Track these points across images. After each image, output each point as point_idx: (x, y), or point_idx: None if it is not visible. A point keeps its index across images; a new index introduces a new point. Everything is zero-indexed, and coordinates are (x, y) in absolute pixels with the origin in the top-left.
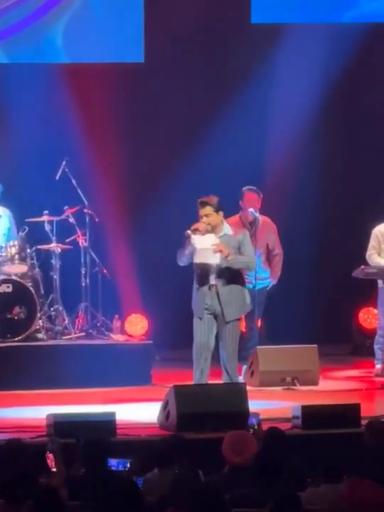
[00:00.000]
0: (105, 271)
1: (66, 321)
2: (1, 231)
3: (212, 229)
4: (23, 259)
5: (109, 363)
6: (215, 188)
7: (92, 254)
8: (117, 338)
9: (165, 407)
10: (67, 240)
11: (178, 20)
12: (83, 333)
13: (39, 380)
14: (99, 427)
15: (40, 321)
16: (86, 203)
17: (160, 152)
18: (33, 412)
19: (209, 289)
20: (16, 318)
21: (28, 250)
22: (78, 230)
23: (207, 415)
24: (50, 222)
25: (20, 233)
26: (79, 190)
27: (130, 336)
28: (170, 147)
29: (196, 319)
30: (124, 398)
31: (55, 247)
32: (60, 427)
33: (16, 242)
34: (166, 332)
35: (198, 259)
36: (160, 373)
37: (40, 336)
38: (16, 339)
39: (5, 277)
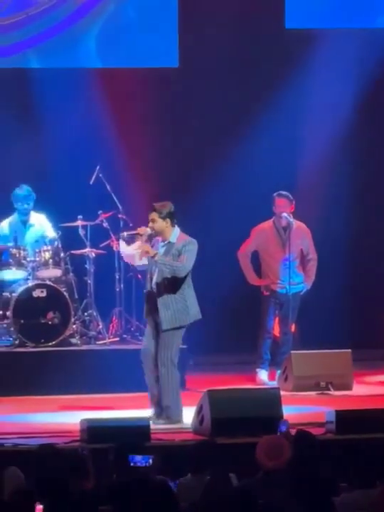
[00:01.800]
0: (139, 276)
1: (100, 326)
2: (33, 238)
3: (156, 235)
4: (57, 264)
5: (142, 367)
6: (249, 193)
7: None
8: None
9: (199, 411)
10: (101, 245)
11: (212, 25)
12: (117, 338)
13: (73, 384)
14: (133, 432)
15: (74, 326)
16: (120, 207)
17: (193, 156)
18: (66, 417)
19: (147, 294)
20: (50, 323)
21: (62, 255)
22: (112, 235)
23: (241, 420)
24: (84, 227)
25: (54, 237)
26: (113, 195)
27: None
28: (203, 152)
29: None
30: None
31: (89, 251)
32: (94, 432)
33: (50, 247)
34: (200, 337)
35: (128, 260)
36: (194, 378)
37: (74, 340)
38: (50, 344)
39: (39, 282)
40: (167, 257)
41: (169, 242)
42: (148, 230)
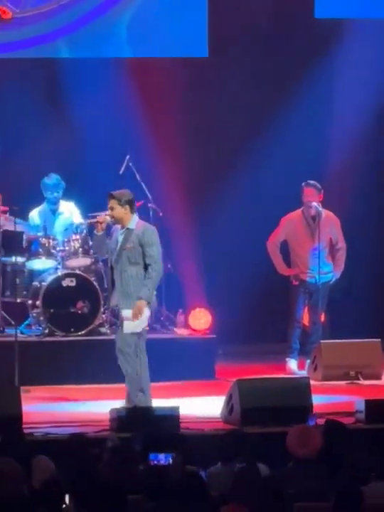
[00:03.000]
0: (169, 265)
1: None
2: (62, 227)
3: (115, 222)
4: (86, 253)
5: (172, 357)
6: (278, 182)
7: None
8: (181, 332)
9: (228, 401)
10: None
11: (241, 15)
12: (147, 328)
13: (103, 374)
14: (163, 421)
15: (103, 315)
16: (150, 197)
17: (223, 146)
18: (96, 406)
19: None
20: (79, 312)
21: (91, 244)
22: None
23: (270, 410)
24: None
25: (81, 223)
26: (143, 185)
27: (194, 330)
28: (233, 141)
29: None
30: (187, 392)
31: None
32: (124, 421)
33: (79, 236)
34: (229, 326)
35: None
36: (223, 368)
37: (103, 330)
38: (80, 333)
39: (69, 271)
40: (127, 244)
41: (128, 229)
42: (108, 218)
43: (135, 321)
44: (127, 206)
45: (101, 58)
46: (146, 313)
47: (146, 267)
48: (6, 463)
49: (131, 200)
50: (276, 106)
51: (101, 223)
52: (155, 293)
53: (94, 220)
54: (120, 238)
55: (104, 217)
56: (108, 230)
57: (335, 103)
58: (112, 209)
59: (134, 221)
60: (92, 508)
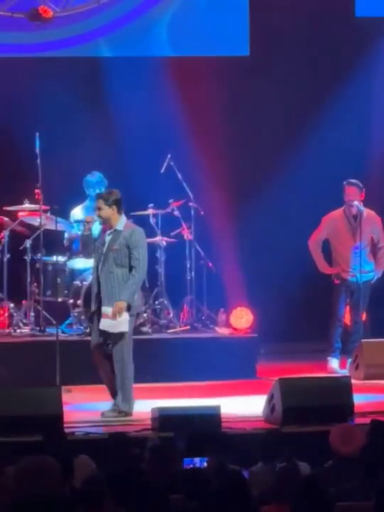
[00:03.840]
0: (210, 264)
1: (171, 315)
2: None
3: (103, 222)
4: None
5: (214, 356)
6: (319, 181)
7: (197, 247)
8: (222, 331)
9: (270, 400)
10: (172, 234)
11: (283, 14)
12: (188, 327)
13: (144, 373)
14: (204, 421)
15: (145, 315)
16: (191, 196)
17: (264, 145)
18: (138, 405)
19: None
20: None
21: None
22: (183, 224)
23: (312, 409)
24: (155, 216)
25: None
26: (184, 184)
27: (235, 329)
28: (274, 140)
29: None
30: (229, 392)
31: (160, 240)
32: (165, 420)
33: None
34: (271, 325)
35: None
36: (265, 367)
37: (145, 329)
38: None
39: None
40: (114, 245)
41: (116, 230)
42: (95, 218)
43: (113, 320)
44: (114, 206)
45: (142, 57)
46: (126, 317)
47: (130, 269)
48: (46, 462)
49: (118, 200)
50: (317, 104)
51: (88, 223)
52: (137, 296)
53: (81, 220)
54: (107, 239)
55: (92, 217)
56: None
57: (375, 102)
58: (99, 209)
59: (121, 222)
60: (133, 507)
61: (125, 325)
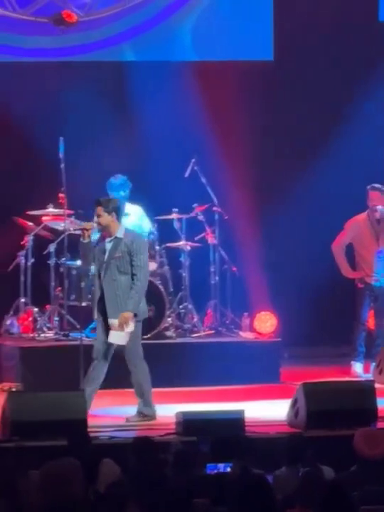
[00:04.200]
0: (234, 268)
1: (195, 319)
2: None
3: (103, 229)
4: (152, 257)
5: (238, 360)
6: (343, 185)
7: (221, 251)
8: (246, 335)
9: (294, 404)
10: (196, 238)
11: (306, 18)
12: (212, 331)
13: (168, 377)
14: (228, 425)
15: (169, 319)
16: (215, 200)
17: (288, 149)
18: (162, 409)
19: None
20: None
21: (157, 248)
22: (207, 228)
23: (336, 413)
24: (179, 220)
25: (151, 230)
26: (208, 188)
27: (259, 333)
28: (298, 144)
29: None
30: (252, 396)
31: (184, 244)
32: (189, 424)
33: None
34: (294, 329)
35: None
36: (289, 371)
37: (169, 333)
38: (145, 337)
39: None
40: (116, 253)
41: (116, 238)
42: (94, 225)
43: (120, 331)
44: (114, 213)
45: (166, 61)
46: (131, 327)
47: (132, 276)
48: (70, 466)
49: (118, 207)
50: (341, 108)
51: (87, 230)
52: (142, 303)
53: (80, 227)
54: (108, 246)
55: (91, 224)
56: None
57: None
58: (98, 216)
59: (121, 230)
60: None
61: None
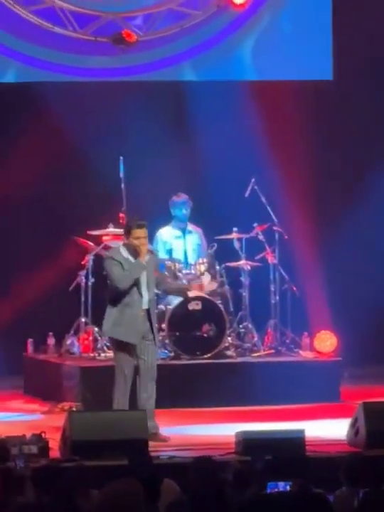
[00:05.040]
0: (294, 288)
1: (255, 338)
2: (190, 247)
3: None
4: (212, 277)
5: (298, 380)
6: None
7: (281, 271)
8: (306, 355)
9: (354, 423)
10: (256, 257)
11: (366, 38)
12: (272, 350)
13: (228, 397)
14: (289, 444)
15: (229, 338)
16: (275, 220)
17: (348, 168)
18: (221, 429)
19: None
20: (205, 335)
21: (217, 267)
22: (267, 247)
23: None
24: (240, 240)
25: (208, 250)
26: (268, 208)
27: (319, 352)
28: (359, 163)
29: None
30: (313, 415)
31: (244, 264)
32: (249, 444)
33: (205, 260)
34: (355, 349)
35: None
36: (349, 390)
37: (229, 353)
38: (206, 356)
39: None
40: (154, 270)
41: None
42: (146, 248)
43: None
44: None
45: (225, 81)
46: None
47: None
48: (130, 486)
49: None
50: None
51: (144, 255)
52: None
53: (147, 249)
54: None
55: (146, 247)
56: None
57: None
58: (146, 238)
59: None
60: None
61: None
